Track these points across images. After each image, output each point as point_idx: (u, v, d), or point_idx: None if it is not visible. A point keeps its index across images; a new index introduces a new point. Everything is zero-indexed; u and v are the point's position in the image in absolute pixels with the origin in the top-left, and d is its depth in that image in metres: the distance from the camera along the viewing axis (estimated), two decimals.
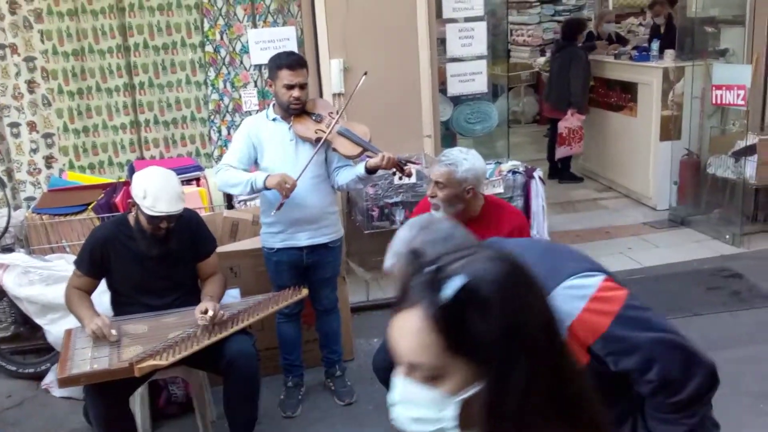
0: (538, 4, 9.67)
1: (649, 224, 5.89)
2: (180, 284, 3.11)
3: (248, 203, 4.16)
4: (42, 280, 3.60)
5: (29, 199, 4.59)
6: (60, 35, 4.44)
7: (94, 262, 2.99)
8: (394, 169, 3.18)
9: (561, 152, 6.96)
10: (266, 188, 3.10)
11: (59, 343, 3.63)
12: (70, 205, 4.00)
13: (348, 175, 3.30)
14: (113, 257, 3.00)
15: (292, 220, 3.26)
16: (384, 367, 2.87)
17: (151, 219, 2.87)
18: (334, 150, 3.24)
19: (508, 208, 3.03)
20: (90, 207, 3.99)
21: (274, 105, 3.31)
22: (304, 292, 3.30)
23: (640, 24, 8.93)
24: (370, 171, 3.20)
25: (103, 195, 4.06)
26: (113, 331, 2.80)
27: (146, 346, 2.74)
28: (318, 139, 3.19)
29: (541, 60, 9.27)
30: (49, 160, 4.60)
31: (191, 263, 3.17)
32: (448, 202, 2.80)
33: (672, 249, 5.33)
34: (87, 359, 2.70)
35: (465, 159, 2.77)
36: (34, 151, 4.56)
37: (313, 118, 3.27)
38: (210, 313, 2.85)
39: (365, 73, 3.32)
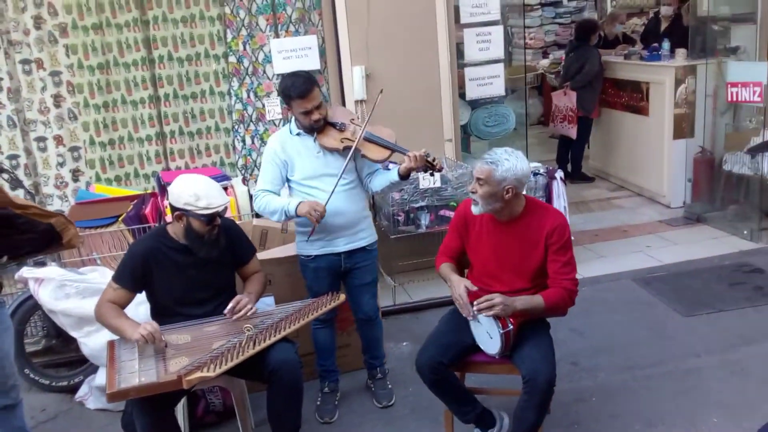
0: (539, 7, 9.76)
1: (665, 222, 5.94)
2: (221, 291, 3.13)
3: None
4: (78, 293, 3.57)
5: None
6: (85, 49, 4.45)
7: (136, 278, 2.99)
8: (426, 166, 3.19)
9: (559, 129, 7.21)
10: (297, 216, 3.17)
11: (95, 356, 3.63)
12: (100, 218, 4.00)
13: (382, 180, 3.35)
14: (155, 270, 3.00)
15: (330, 227, 3.29)
16: (430, 365, 2.89)
17: (209, 218, 2.91)
18: (363, 156, 3.27)
19: (549, 207, 3.07)
20: (120, 219, 3.99)
21: (296, 119, 3.32)
22: (342, 297, 3.31)
23: (644, 24, 8.99)
24: (404, 176, 3.24)
25: (132, 207, 4.06)
26: (162, 337, 2.81)
27: (192, 357, 2.72)
28: (346, 148, 3.22)
29: (545, 62, 9.36)
30: (75, 174, 4.61)
31: (231, 269, 3.21)
32: (487, 199, 2.83)
33: (691, 246, 5.37)
34: (135, 372, 2.68)
35: (507, 159, 2.79)
36: (61, 164, 4.57)
37: (337, 127, 3.29)
38: (231, 305, 3.01)
39: (381, 91, 3.37)
